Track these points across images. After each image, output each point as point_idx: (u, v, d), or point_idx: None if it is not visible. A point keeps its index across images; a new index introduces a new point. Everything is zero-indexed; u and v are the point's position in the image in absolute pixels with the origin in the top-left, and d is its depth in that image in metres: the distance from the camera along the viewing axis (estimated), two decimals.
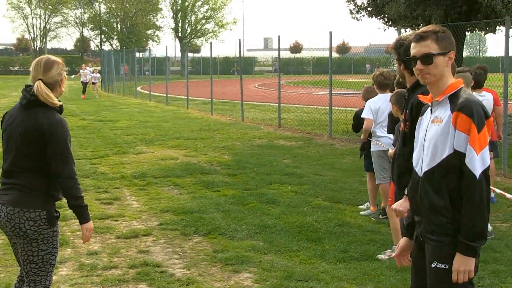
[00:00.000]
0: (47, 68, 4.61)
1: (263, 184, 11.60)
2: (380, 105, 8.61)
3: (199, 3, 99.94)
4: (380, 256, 7.39)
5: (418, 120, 3.98)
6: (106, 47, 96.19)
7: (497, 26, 20.53)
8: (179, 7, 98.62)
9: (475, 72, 9.38)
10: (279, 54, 23.78)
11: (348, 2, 24.29)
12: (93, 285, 6.55)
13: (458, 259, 3.59)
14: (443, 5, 19.11)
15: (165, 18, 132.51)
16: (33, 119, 4.52)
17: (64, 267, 7.10)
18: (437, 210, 3.68)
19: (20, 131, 4.54)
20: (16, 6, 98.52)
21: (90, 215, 4.74)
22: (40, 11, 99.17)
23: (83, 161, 14.16)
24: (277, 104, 22.92)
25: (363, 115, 8.98)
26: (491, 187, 4.13)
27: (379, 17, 23.49)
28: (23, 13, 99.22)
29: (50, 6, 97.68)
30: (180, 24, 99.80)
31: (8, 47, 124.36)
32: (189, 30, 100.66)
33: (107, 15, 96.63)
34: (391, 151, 7.11)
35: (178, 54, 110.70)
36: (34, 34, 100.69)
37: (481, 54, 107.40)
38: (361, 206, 9.87)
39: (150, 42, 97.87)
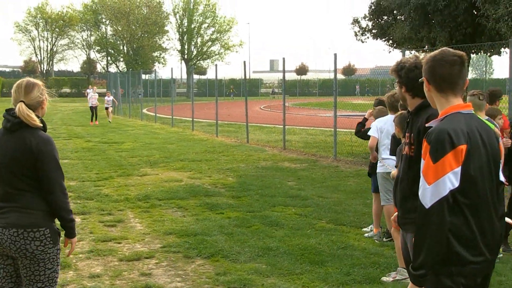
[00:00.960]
0: (28, 90, 4.69)
1: (267, 206, 11.57)
2: (387, 127, 8.59)
3: (205, 25, 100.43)
4: (385, 279, 7.34)
5: None
6: (113, 69, 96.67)
7: (502, 48, 20.56)
8: (185, 29, 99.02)
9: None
10: (284, 76, 23.82)
11: (353, 24, 24.36)
12: None
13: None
14: (448, 27, 19.14)
15: (171, 40, 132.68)
16: (20, 140, 4.58)
17: None
18: None
19: (10, 154, 4.59)
20: (24, 29, 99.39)
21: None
22: (47, 34, 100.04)
23: (88, 183, 14.17)
24: (282, 126, 22.93)
25: (369, 133, 9.04)
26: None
27: (383, 39, 23.55)
28: (30, 35, 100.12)
29: (57, 29, 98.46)
30: (186, 46, 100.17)
31: (15, 69, 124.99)
32: (195, 52, 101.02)
33: (114, 37, 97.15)
34: (393, 172, 7.08)
35: (184, 76, 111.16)
36: (41, 57, 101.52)
37: (487, 76, 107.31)
38: (365, 229, 9.82)
39: (156, 64, 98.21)
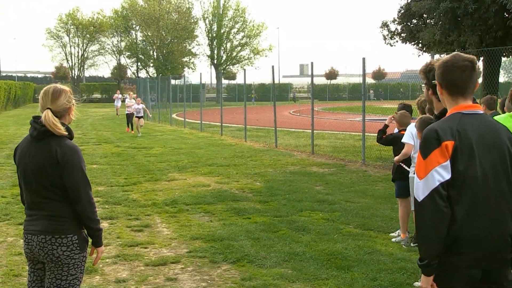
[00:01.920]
0: (55, 97, 4.64)
1: (294, 211, 11.53)
2: None
3: (235, 30, 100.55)
4: (417, 284, 7.22)
5: None
6: (142, 74, 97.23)
7: None
8: (214, 35, 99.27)
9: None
10: (312, 80, 23.74)
11: (382, 27, 24.27)
12: None
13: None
14: (478, 30, 18.97)
15: (200, 46, 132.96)
16: (46, 149, 4.55)
17: None
18: None
19: (36, 163, 4.57)
20: (55, 35, 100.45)
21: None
22: (78, 40, 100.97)
23: (116, 188, 14.25)
24: (310, 131, 22.85)
25: (404, 140, 8.94)
26: None
27: (413, 42, 23.41)
28: (61, 42, 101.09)
29: (87, 35, 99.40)
30: (215, 51, 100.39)
31: (47, 75, 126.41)
32: (224, 57, 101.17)
33: (144, 43, 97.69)
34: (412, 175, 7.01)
35: (214, 81, 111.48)
36: (72, 63, 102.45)
37: None
38: (392, 234, 9.74)
39: (186, 69, 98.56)
